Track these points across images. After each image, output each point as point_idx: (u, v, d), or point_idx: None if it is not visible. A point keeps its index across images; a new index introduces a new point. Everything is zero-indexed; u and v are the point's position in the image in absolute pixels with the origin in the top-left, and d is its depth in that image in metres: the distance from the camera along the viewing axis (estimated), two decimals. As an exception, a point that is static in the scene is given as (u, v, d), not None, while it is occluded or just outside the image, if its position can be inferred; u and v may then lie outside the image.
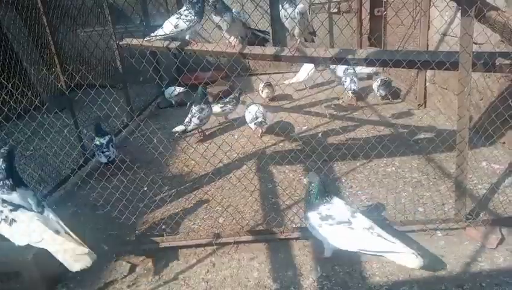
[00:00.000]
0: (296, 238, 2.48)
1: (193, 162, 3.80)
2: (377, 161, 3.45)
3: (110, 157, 3.60)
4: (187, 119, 4.39)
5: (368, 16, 6.84)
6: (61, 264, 2.03)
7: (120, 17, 6.15)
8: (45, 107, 3.32)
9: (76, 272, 2.37)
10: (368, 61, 2.84)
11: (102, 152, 3.60)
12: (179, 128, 4.36)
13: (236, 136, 4.50)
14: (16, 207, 2.06)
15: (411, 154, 3.50)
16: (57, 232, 2.06)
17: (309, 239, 2.46)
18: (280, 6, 3.20)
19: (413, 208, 2.72)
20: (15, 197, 2.12)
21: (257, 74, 7.41)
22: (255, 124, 4.25)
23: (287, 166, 3.53)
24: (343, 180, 3.25)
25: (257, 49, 3.59)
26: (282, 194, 3.06)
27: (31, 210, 2.12)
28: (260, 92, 5.79)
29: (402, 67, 2.82)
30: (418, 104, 4.71)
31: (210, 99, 4.84)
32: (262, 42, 4.08)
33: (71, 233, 2.10)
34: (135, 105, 5.43)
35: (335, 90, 5.94)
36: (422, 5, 4.15)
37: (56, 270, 2.25)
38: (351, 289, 2.11)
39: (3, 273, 2.20)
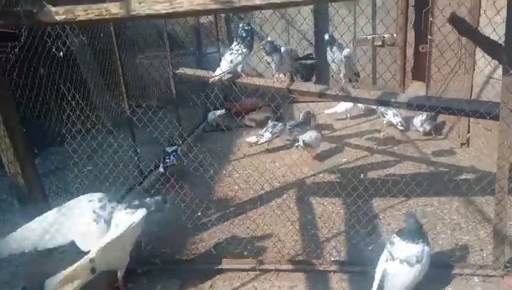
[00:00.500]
0: (334, 271, 2.63)
1: (237, 187, 4.08)
2: (416, 200, 3.52)
3: (167, 163, 4.17)
4: (261, 132, 5.09)
5: (413, 51, 6.93)
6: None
7: (176, 43, 6.71)
8: (107, 128, 3.77)
9: (132, 285, 2.71)
10: (410, 106, 3.00)
11: (164, 158, 4.21)
12: (252, 139, 5.10)
13: (277, 164, 4.72)
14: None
15: (451, 195, 3.54)
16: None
17: (346, 273, 2.60)
18: (328, 49, 3.45)
19: (450, 251, 2.79)
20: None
21: (299, 102, 7.67)
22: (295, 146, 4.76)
23: (326, 198, 3.70)
24: (381, 217, 3.36)
25: (303, 86, 3.85)
26: (321, 226, 3.22)
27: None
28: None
29: (445, 113, 2.94)
30: (461, 143, 4.71)
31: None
32: (311, 71, 4.36)
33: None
34: (183, 128, 5.83)
35: (375, 123, 6.06)
36: (467, 47, 4.24)
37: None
38: (385, 326, 2.21)
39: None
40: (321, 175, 4.33)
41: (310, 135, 4.73)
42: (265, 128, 5.13)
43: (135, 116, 3.94)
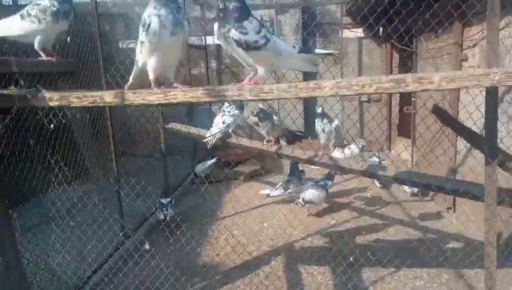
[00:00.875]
0: None
1: (223, 251, 3.98)
2: (406, 271, 3.48)
3: (166, 215, 4.30)
4: (276, 186, 5.03)
5: (398, 108, 7.17)
6: None
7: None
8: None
9: None
10: (396, 180, 3.06)
11: (162, 210, 4.36)
12: (266, 191, 5.12)
13: (265, 225, 4.66)
14: None
15: (440, 267, 3.52)
16: None
17: None
18: (318, 120, 3.56)
19: (441, 335, 2.72)
20: None
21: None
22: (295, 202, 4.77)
23: (314, 266, 3.64)
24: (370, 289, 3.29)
25: (292, 151, 3.90)
26: (309, 301, 3.14)
27: None
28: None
29: (431, 190, 2.99)
30: (448, 207, 4.76)
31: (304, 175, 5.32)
32: (297, 138, 4.49)
33: None
34: (171, 181, 5.75)
35: (363, 179, 6.10)
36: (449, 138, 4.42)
37: None
38: None
39: None
40: (309, 239, 4.27)
41: (311, 192, 4.66)
42: (279, 183, 5.09)
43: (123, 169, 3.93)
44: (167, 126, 5.13)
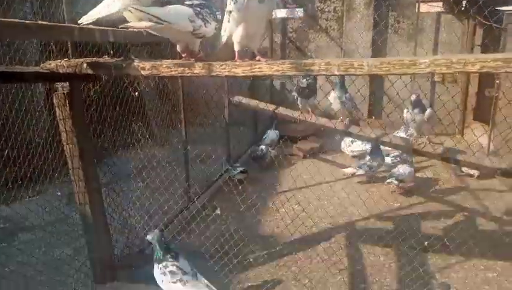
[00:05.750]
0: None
1: (283, 223, 4.04)
2: (477, 261, 3.31)
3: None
4: (361, 165, 5.01)
5: (476, 90, 6.60)
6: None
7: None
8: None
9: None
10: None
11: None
12: (349, 170, 5.11)
13: (326, 202, 4.64)
14: (184, 273, 2.51)
15: (515, 260, 3.30)
16: None
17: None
18: (409, 110, 3.36)
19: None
20: (181, 264, 2.54)
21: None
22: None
23: (377, 247, 3.58)
24: (437, 277, 3.18)
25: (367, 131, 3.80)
26: (371, 281, 3.12)
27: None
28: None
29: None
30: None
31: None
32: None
33: None
34: (233, 153, 5.90)
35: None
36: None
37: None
38: None
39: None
40: (372, 220, 4.19)
41: (402, 170, 4.64)
42: (363, 161, 5.07)
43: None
44: (233, 100, 5.22)
